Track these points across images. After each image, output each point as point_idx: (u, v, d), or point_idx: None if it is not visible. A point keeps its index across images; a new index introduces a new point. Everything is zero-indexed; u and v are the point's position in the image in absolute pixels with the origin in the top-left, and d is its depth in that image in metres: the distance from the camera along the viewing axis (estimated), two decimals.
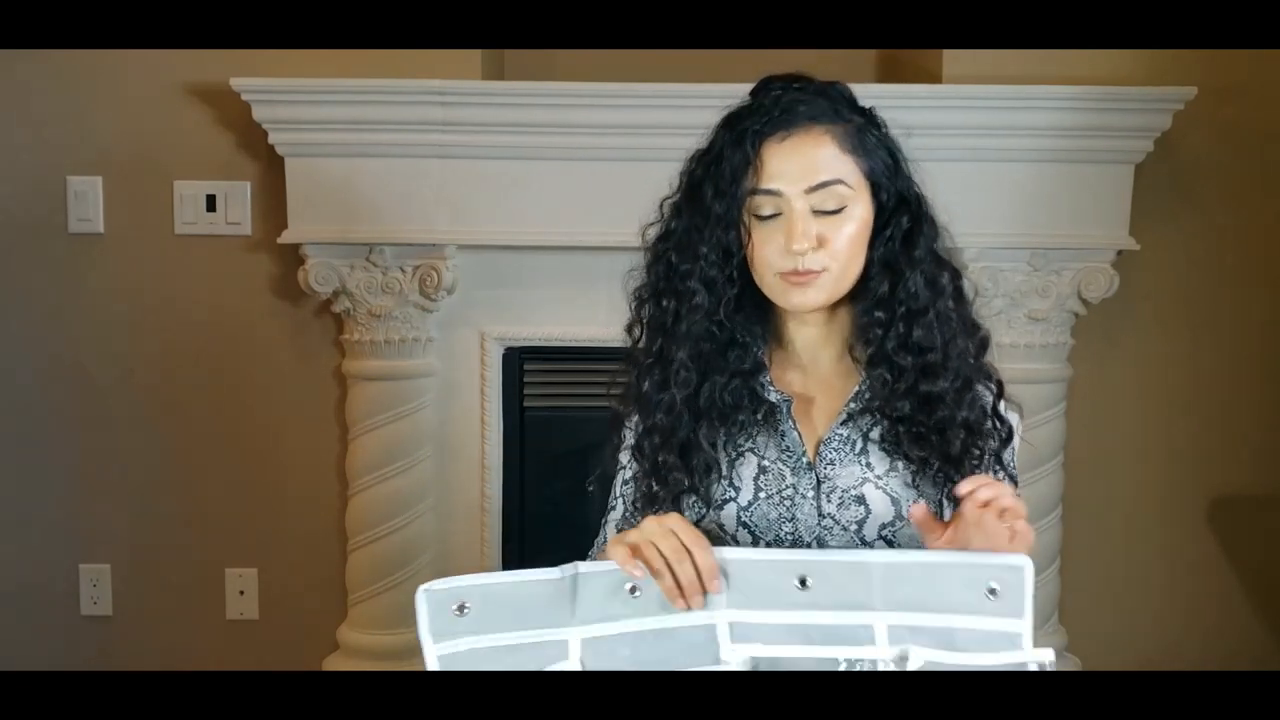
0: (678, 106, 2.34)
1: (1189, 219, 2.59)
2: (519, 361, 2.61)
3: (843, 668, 1.09)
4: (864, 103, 1.35)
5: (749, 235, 1.29)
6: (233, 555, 2.68)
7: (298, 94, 2.41)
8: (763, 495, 1.31)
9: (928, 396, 1.28)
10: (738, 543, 1.30)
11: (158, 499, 2.66)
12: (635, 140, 2.39)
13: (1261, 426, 2.65)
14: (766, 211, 1.28)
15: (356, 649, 2.59)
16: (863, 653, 1.09)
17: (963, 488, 1.14)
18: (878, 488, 1.30)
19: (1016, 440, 1.37)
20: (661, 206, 1.35)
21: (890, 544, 1.30)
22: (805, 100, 1.29)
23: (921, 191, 1.34)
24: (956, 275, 1.34)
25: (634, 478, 1.36)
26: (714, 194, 1.29)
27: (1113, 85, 2.41)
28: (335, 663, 2.61)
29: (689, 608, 1.11)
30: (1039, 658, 1.12)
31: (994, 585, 1.13)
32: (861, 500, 1.30)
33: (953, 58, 2.48)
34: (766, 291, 1.31)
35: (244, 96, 2.41)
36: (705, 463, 1.30)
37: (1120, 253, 2.50)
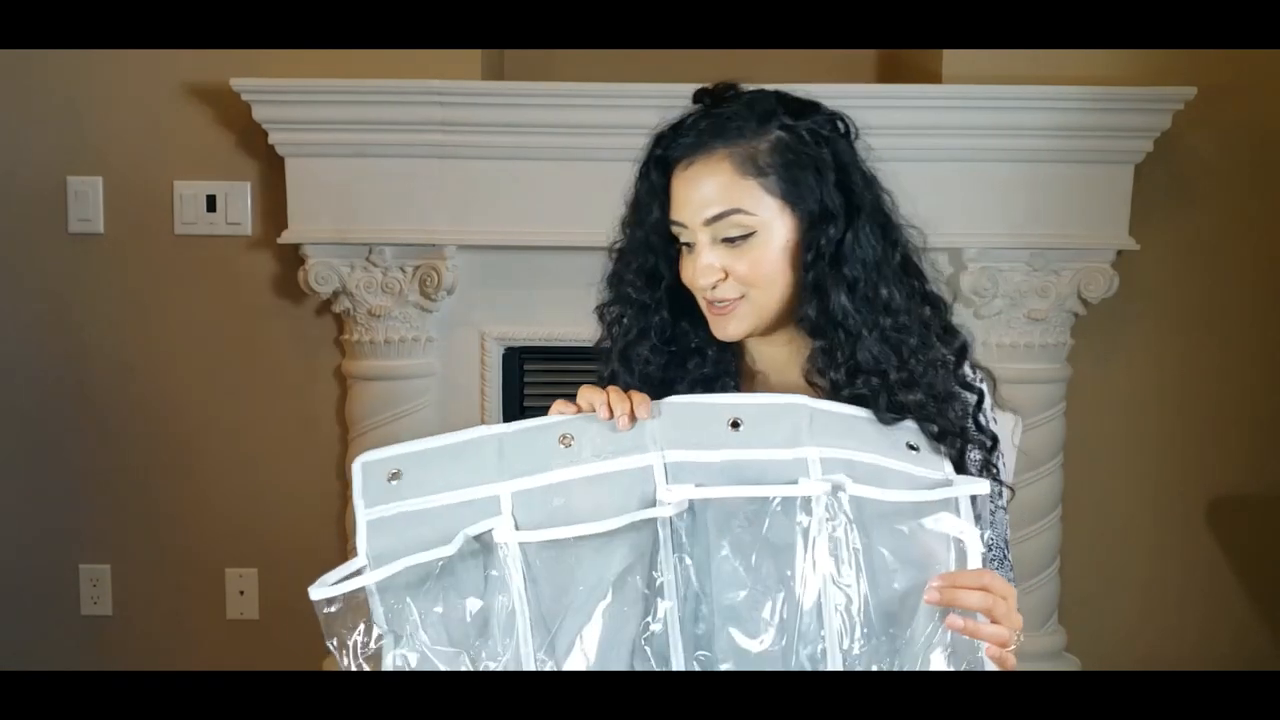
0: (678, 107, 2.34)
1: (1189, 219, 2.59)
2: (519, 361, 2.61)
3: (777, 507, 1.06)
4: (853, 101, 1.32)
5: (679, 260, 1.27)
6: (233, 555, 2.68)
7: (298, 94, 2.41)
8: None
9: (899, 407, 1.19)
10: None
11: (158, 499, 2.66)
12: (635, 140, 2.35)
13: (1260, 426, 2.66)
14: (683, 240, 1.25)
15: None
16: (796, 490, 1.06)
17: (931, 595, 1.07)
18: None
19: (1007, 447, 1.32)
20: (620, 226, 1.34)
21: None
22: (713, 119, 1.25)
23: (862, 201, 1.23)
24: (920, 280, 1.26)
25: None
26: (636, 221, 1.28)
27: (1113, 85, 2.41)
28: (335, 663, 2.61)
29: (620, 426, 1.10)
30: (973, 489, 1.11)
31: (911, 442, 1.15)
32: None
33: (953, 58, 2.48)
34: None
35: (244, 96, 2.41)
36: None
37: (1120, 253, 2.50)
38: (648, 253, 1.28)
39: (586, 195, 2.44)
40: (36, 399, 2.63)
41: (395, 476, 1.10)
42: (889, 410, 1.19)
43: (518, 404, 2.61)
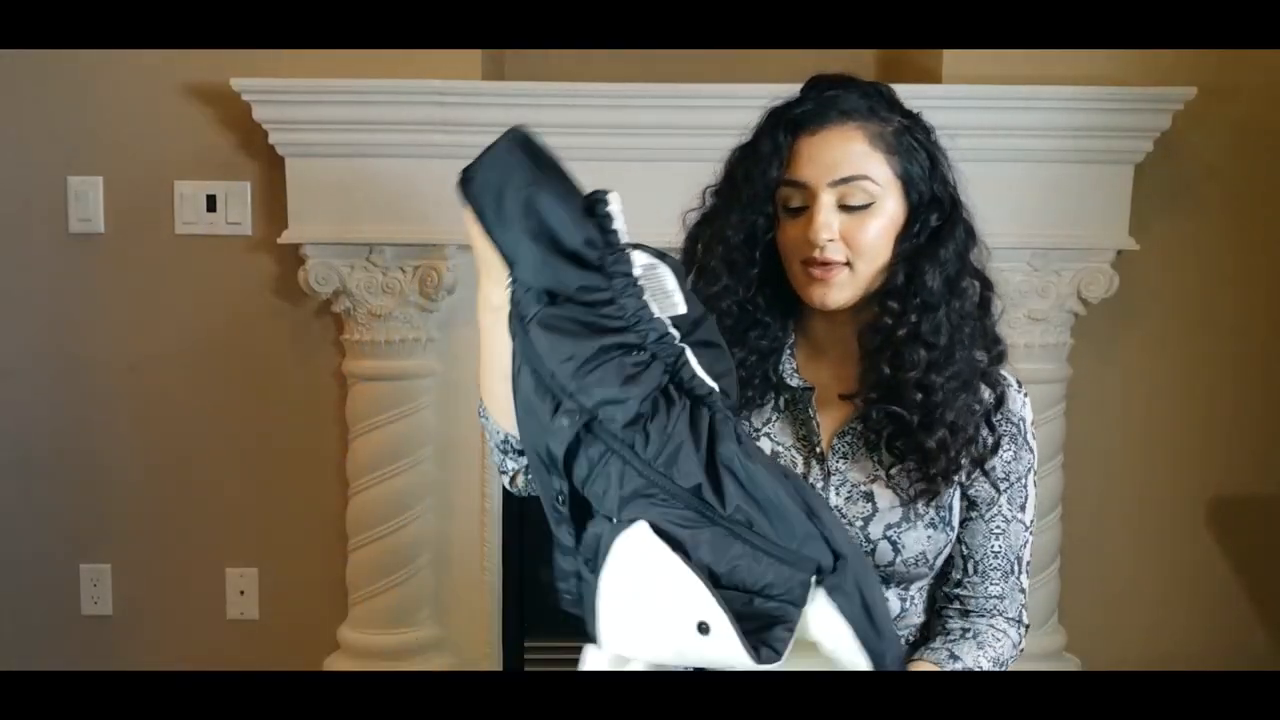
0: (678, 107, 2.34)
1: (1189, 219, 2.59)
2: None
3: None
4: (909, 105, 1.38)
5: (778, 223, 1.31)
6: (233, 555, 2.68)
7: (298, 94, 2.41)
8: None
9: (921, 385, 1.29)
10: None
11: (158, 499, 2.66)
12: (635, 141, 2.39)
13: (1261, 426, 2.65)
14: (795, 203, 1.30)
15: (356, 649, 2.60)
16: None
17: None
18: (887, 485, 1.31)
19: (1030, 458, 1.37)
20: (703, 194, 1.39)
21: (894, 545, 1.30)
22: (843, 96, 1.31)
23: (959, 197, 1.35)
24: (987, 285, 1.36)
25: None
26: (744, 178, 1.31)
27: (1113, 85, 2.41)
28: (335, 663, 2.61)
29: None
30: None
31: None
32: (870, 497, 1.32)
33: (953, 58, 2.48)
34: (793, 282, 1.33)
35: (244, 96, 2.41)
36: None
37: (1120, 253, 2.50)
38: (755, 212, 1.31)
39: None
40: (36, 399, 2.63)
41: None
42: (911, 391, 1.27)
43: None
